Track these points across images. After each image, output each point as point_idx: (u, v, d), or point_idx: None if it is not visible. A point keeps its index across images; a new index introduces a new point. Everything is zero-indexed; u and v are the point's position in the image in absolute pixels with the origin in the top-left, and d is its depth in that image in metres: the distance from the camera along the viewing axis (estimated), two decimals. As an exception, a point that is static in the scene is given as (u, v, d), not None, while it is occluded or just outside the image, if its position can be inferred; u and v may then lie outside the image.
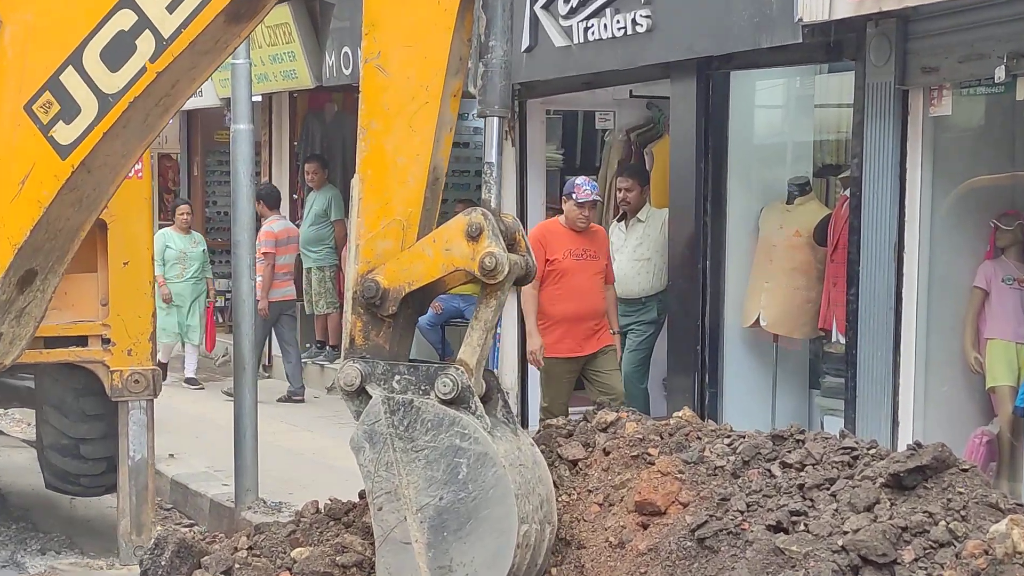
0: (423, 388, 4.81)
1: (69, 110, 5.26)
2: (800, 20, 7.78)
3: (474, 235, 4.77)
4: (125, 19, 5.16)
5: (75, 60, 5.21)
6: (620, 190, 10.40)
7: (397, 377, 4.85)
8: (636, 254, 10.33)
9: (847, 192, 8.60)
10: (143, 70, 5.18)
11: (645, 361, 10.38)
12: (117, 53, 5.18)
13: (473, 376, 4.79)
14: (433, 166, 4.96)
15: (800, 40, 7.97)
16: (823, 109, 10.22)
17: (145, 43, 5.17)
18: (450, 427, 4.71)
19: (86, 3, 5.23)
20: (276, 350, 15.51)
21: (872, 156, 7.94)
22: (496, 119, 4.93)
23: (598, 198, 9.28)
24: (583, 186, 9.09)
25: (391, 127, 4.94)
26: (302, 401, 13.65)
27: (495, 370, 7.83)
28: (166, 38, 5.15)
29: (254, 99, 10.38)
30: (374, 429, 4.80)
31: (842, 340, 8.55)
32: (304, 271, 14.48)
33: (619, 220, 10.58)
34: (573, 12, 9.79)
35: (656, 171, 10.86)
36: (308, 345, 15.06)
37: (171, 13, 5.14)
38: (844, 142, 9.72)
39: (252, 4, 5.25)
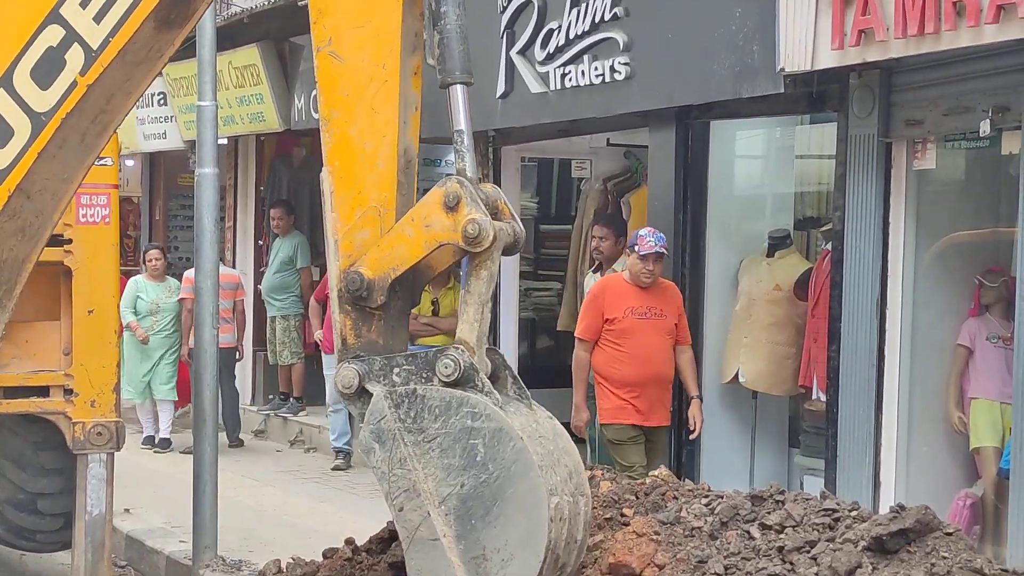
0: (425, 375, 4.74)
1: (2, 133, 5.23)
2: (782, 70, 7.85)
3: (452, 205, 4.73)
4: (53, 35, 5.17)
5: (5, 82, 5.20)
6: (595, 239, 10.41)
7: (396, 369, 4.79)
8: (612, 306, 10.32)
9: (828, 246, 8.64)
10: (73, 84, 5.18)
11: (620, 417, 10.34)
12: (47, 70, 5.18)
13: (475, 354, 4.73)
14: (403, 148, 4.96)
15: (782, 90, 8.03)
16: (804, 161, 10.28)
17: (74, 57, 5.17)
18: (459, 409, 4.62)
19: (13, 23, 5.23)
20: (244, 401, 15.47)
21: (854, 209, 7.98)
22: (459, 86, 4.92)
23: (663, 250, 8.69)
24: (647, 238, 8.63)
25: (352, 113, 4.95)
26: (241, 445, 13.61)
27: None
28: (95, 49, 5.15)
29: (220, 142, 10.40)
30: (380, 427, 4.72)
31: (823, 397, 8.56)
32: (268, 320, 14.46)
33: (594, 271, 10.58)
34: (550, 58, 9.85)
35: (633, 221, 10.88)
36: (271, 396, 15.01)
37: (98, 23, 5.15)
38: (826, 194, 9.77)
39: (182, 9, 5.27)
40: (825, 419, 8.38)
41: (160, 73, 13.54)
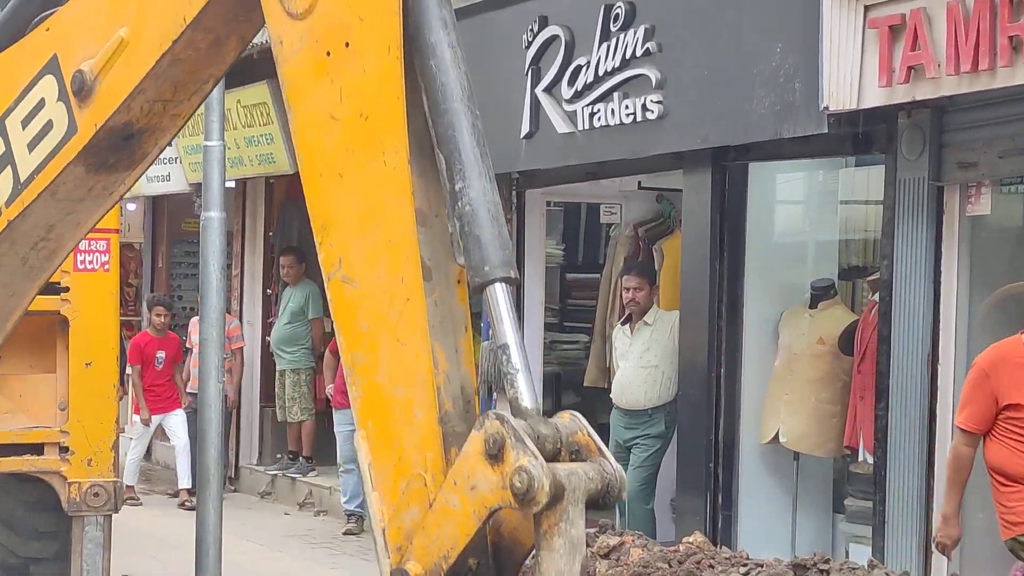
0: None
1: None
2: (826, 108, 7.84)
3: (495, 453, 3.81)
4: None
5: None
6: (627, 290, 10.41)
7: None
8: (642, 361, 10.31)
9: (876, 297, 8.61)
10: None
11: (651, 479, 10.32)
12: None
13: None
14: (447, 384, 4.07)
15: (825, 130, 8.02)
16: (850, 206, 10.26)
17: (3, 182, 4.79)
18: None
19: None
20: (243, 459, 15.47)
21: (903, 258, 7.95)
22: (499, 285, 3.92)
23: None
24: None
25: (377, 351, 4.12)
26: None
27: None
28: (22, 181, 4.75)
29: (227, 185, 10.44)
30: None
31: (870, 459, 8.51)
32: (277, 373, 14.48)
33: (623, 323, 10.58)
34: (578, 96, 9.87)
35: (666, 270, 10.87)
36: (280, 456, 15.00)
37: (30, 152, 4.72)
38: (872, 242, 9.75)
39: (125, 154, 4.74)
40: (872, 483, 8.33)
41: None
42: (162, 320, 14.49)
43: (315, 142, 4.17)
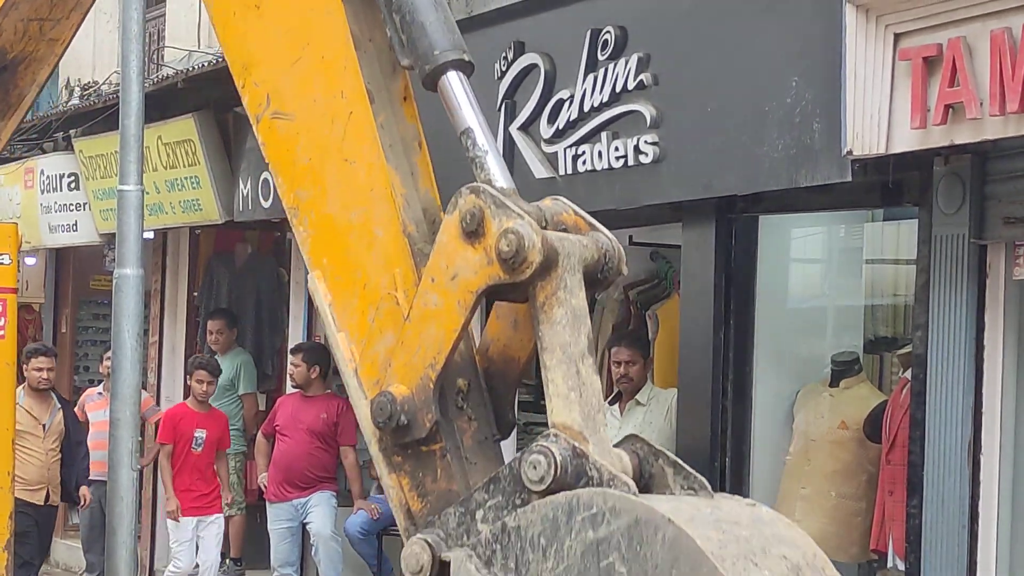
0: (520, 498, 3.95)
1: None
2: (849, 153, 7.87)
3: (474, 228, 4.06)
4: None
5: None
6: (616, 364, 10.39)
7: (479, 512, 4.02)
8: (634, 447, 10.27)
9: (907, 374, 8.62)
10: None
11: (644, 588, 10.26)
12: None
13: (588, 442, 3.92)
14: (406, 208, 4.41)
15: (849, 178, 8.04)
16: (877, 266, 10.29)
17: None
18: (570, 521, 3.76)
19: None
20: (159, 560, 15.34)
21: (940, 328, 7.97)
22: (452, 73, 4.38)
23: None
24: None
25: (323, 180, 4.50)
26: None
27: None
28: None
29: (145, 236, 10.41)
30: None
31: (901, 566, 8.50)
32: (203, 460, 14.38)
33: (612, 402, 10.55)
34: (559, 135, 9.89)
35: (661, 340, 10.87)
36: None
37: None
38: (903, 308, 9.77)
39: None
40: (904, 593, 8.32)
41: (71, 148, 13.50)
42: (204, 389, 13.17)
43: None
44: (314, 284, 4.48)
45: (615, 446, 4.11)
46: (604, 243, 4.17)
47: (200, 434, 13.13)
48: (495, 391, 4.42)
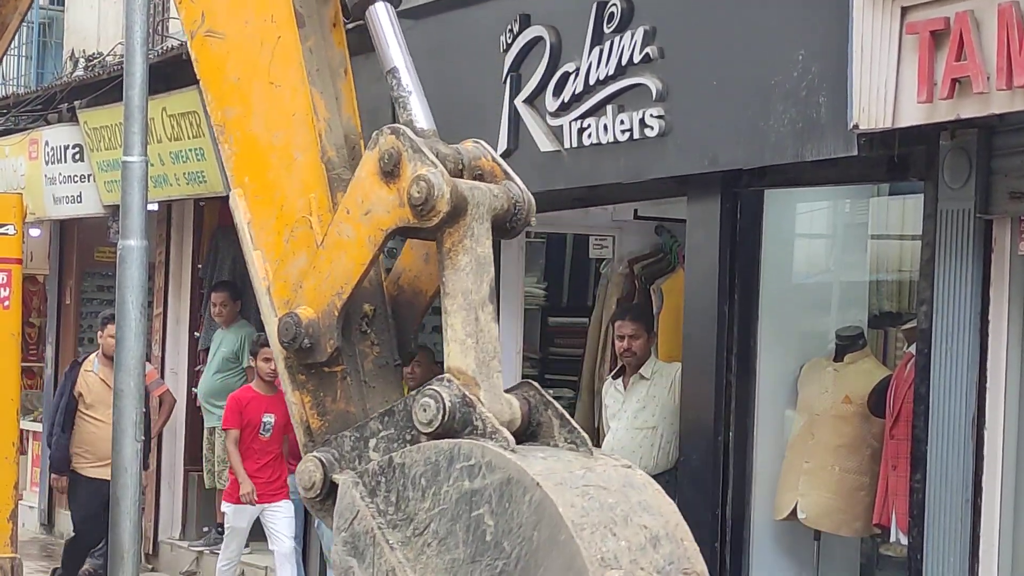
0: (410, 434, 4.17)
1: None
2: (855, 127, 7.86)
3: (390, 169, 4.19)
4: None
5: None
6: (620, 338, 10.40)
7: (372, 440, 4.24)
8: (637, 421, 10.30)
9: (912, 348, 8.62)
10: None
11: (647, 561, 10.28)
12: None
13: (480, 388, 4.14)
14: (328, 132, 4.59)
15: (855, 153, 8.03)
16: (882, 241, 10.29)
17: None
18: (450, 468, 3.99)
19: None
20: (163, 533, 15.39)
21: (945, 303, 7.97)
22: (380, 5, 4.51)
23: None
24: None
25: (250, 100, 4.67)
26: None
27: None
28: None
29: (150, 208, 10.39)
30: (355, 531, 4.13)
31: (904, 540, 8.50)
32: (205, 432, 14.40)
33: (615, 377, 10.56)
34: (565, 108, 9.88)
35: (665, 314, 10.88)
36: (207, 529, 14.92)
37: None
38: (908, 284, 9.78)
39: None
40: (906, 568, 8.32)
41: (75, 120, 13.55)
42: (272, 367, 11.72)
43: None
44: (235, 201, 4.69)
45: (509, 391, 4.29)
46: (515, 193, 4.32)
47: (268, 419, 12.54)
48: (400, 319, 4.57)
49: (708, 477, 9.42)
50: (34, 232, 18.16)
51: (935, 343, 8.03)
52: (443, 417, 4.07)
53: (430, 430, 4.10)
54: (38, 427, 18.09)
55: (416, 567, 4.04)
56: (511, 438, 4.03)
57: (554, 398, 12.09)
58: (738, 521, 9.46)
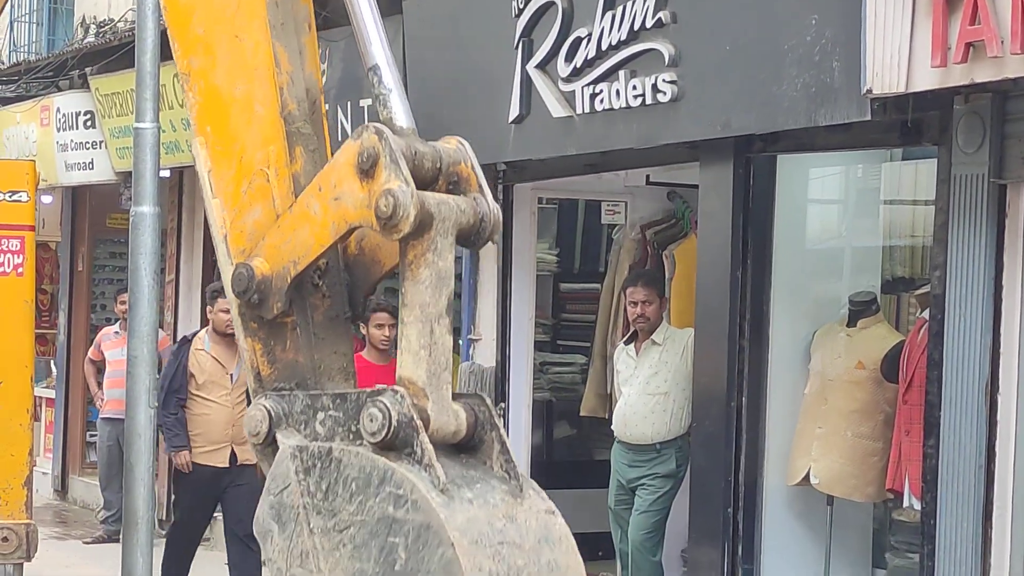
0: (354, 428, 4.22)
1: None
2: (869, 92, 7.84)
3: (367, 168, 4.20)
4: None
5: None
6: (632, 303, 10.40)
7: (320, 415, 4.31)
8: (649, 387, 10.31)
9: (925, 314, 8.61)
10: None
11: (660, 526, 10.31)
12: None
13: (428, 399, 4.18)
14: (290, 85, 4.64)
15: (868, 117, 8.02)
16: (895, 206, 10.28)
17: None
18: (380, 487, 4.07)
19: None
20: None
21: (959, 268, 7.96)
22: None
23: None
24: None
25: (214, 51, 4.73)
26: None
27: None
28: None
29: (162, 174, 10.40)
30: (283, 500, 4.25)
31: (917, 506, 8.51)
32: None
33: (627, 342, 10.56)
34: (577, 74, 9.87)
35: (678, 280, 10.88)
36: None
37: None
38: (922, 249, 9.76)
39: None
40: (920, 533, 8.33)
41: (87, 86, 13.53)
42: (386, 334, 10.74)
43: None
44: (197, 150, 4.79)
45: (461, 399, 4.34)
46: (483, 209, 4.31)
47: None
48: (355, 278, 4.64)
49: (721, 443, 9.43)
50: (46, 199, 18.16)
51: (948, 308, 8.03)
52: (387, 433, 4.11)
53: (374, 441, 4.15)
54: (51, 394, 18.14)
55: (328, 560, 4.15)
56: (443, 476, 4.06)
57: (565, 364, 12.02)
58: (751, 487, 9.47)
